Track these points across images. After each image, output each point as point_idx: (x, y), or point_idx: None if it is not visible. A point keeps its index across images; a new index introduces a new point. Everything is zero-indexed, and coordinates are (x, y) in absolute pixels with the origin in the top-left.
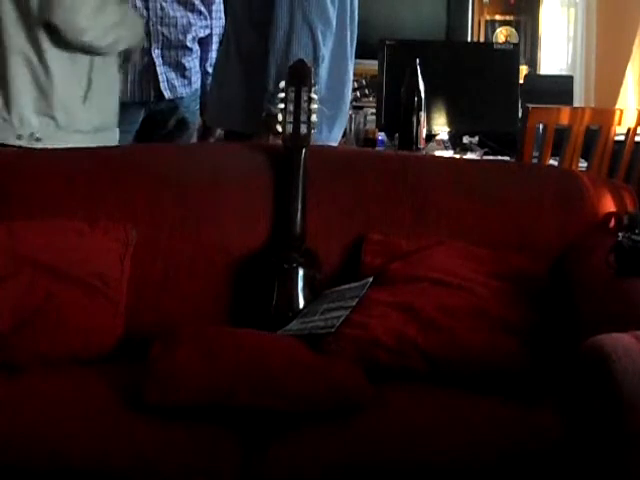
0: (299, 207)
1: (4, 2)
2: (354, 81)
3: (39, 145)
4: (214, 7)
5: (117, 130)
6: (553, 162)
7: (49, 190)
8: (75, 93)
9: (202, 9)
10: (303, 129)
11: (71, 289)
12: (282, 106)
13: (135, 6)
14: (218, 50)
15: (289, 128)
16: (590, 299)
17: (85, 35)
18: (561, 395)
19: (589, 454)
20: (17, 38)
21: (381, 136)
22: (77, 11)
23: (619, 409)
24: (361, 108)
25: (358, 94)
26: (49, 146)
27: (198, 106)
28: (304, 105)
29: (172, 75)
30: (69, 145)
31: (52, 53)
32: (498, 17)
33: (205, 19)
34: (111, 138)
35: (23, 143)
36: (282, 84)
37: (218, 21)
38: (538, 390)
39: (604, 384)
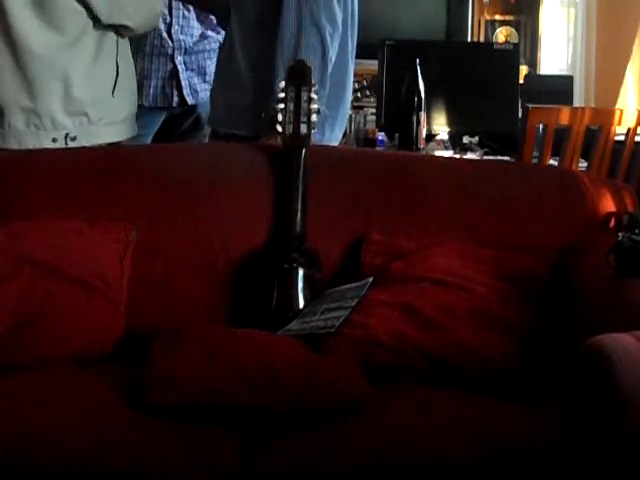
0: (299, 207)
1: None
2: (355, 82)
3: (74, 144)
4: None
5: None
6: (553, 162)
7: (49, 190)
8: (105, 85)
9: (218, 29)
10: (303, 129)
11: (71, 289)
12: (282, 106)
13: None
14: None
15: (289, 128)
16: (590, 299)
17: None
18: (561, 395)
19: (589, 454)
20: (32, 38)
21: (381, 136)
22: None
23: (619, 409)
24: (361, 108)
25: (359, 95)
26: (85, 144)
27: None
28: (304, 105)
29: (195, 80)
30: (102, 140)
31: (72, 49)
32: (498, 17)
33: (218, 33)
34: (134, 127)
35: (59, 145)
36: (282, 84)
37: None
38: (538, 390)
39: (604, 384)
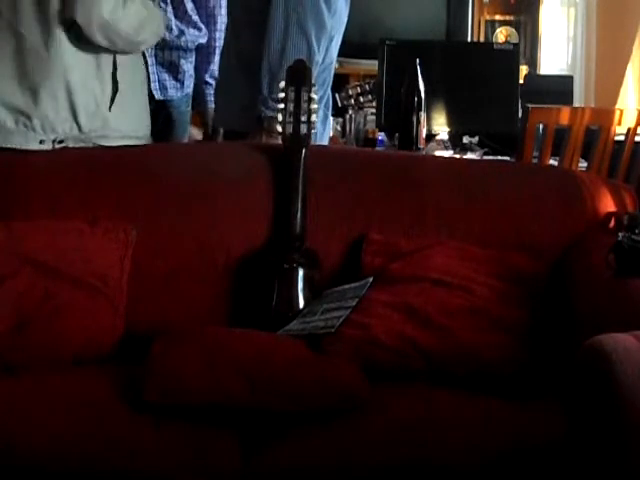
0: (299, 207)
1: (23, 4)
2: (357, 86)
3: (61, 146)
4: (219, 19)
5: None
6: (553, 162)
7: (49, 190)
8: (99, 98)
9: (200, 25)
10: (303, 129)
11: (71, 289)
12: (282, 106)
13: None
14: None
15: (289, 128)
16: (590, 299)
17: (106, 29)
18: (561, 395)
19: (589, 454)
20: (35, 42)
21: (381, 136)
22: (99, 5)
23: (619, 409)
24: (361, 108)
25: (361, 99)
26: (72, 145)
27: (189, 108)
28: (304, 105)
29: (165, 76)
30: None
31: (71, 57)
32: (498, 17)
33: (200, 31)
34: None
35: (45, 147)
36: (282, 84)
37: (221, 33)
38: (538, 390)
39: (604, 384)
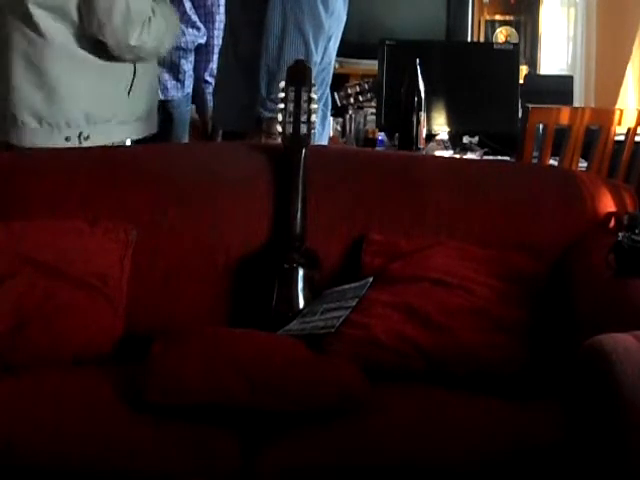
0: (299, 207)
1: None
2: (356, 84)
3: (87, 143)
4: (217, 17)
5: (155, 117)
6: (553, 162)
7: (49, 190)
8: (120, 85)
9: (198, 24)
10: (303, 129)
11: (71, 289)
12: (282, 106)
13: None
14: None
15: (289, 128)
16: (590, 299)
17: (134, 51)
18: (560, 395)
19: (589, 454)
20: (48, 47)
21: (381, 136)
22: (127, 32)
23: (619, 409)
24: (361, 108)
25: (360, 98)
26: (97, 143)
27: (189, 107)
28: (304, 105)
29: (166, 76)
30: (117, 139)
31: (84, 65)
32: (498, 17)
33: (198, 30)
34: (151, 124)
35: (71, 144)
36: (282, 84)
37: (220, 32)
38: (537, 390)
39: (604, 384)
